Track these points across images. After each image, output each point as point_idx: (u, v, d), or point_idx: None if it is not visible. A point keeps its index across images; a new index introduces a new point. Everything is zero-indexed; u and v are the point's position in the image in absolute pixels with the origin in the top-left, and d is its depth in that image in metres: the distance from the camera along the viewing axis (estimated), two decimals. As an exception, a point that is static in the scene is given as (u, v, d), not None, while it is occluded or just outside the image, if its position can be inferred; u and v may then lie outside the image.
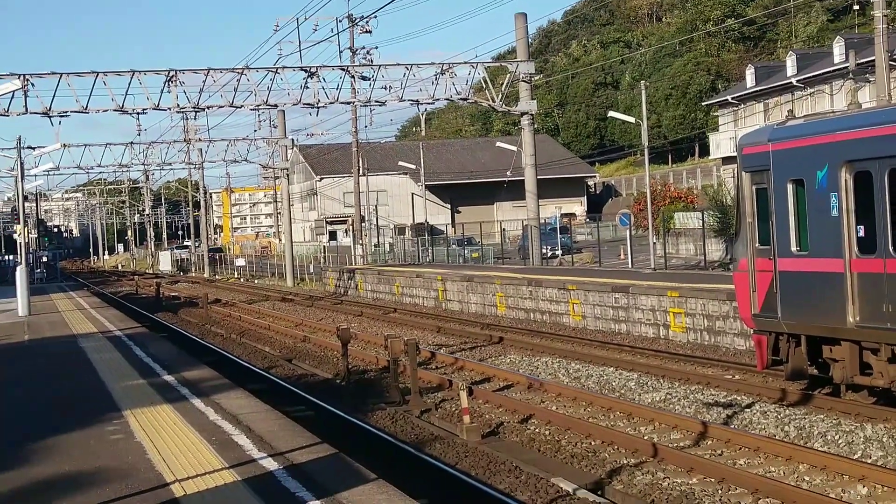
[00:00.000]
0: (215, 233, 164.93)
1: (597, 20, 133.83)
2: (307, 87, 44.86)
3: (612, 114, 57.70)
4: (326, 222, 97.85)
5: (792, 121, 18.36)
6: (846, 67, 50.22)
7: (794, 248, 17.60)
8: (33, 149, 60.39)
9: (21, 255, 42.71)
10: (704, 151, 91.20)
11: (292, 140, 71.71)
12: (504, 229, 64.13)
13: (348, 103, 50.82)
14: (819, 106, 63.02)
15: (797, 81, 68.16)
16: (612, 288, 30.61)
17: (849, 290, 16.31)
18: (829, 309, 16.67)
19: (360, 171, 68.03)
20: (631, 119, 53.50)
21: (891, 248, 15.72)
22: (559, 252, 57.00)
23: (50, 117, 42.74)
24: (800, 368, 17.74)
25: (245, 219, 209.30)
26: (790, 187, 17.62)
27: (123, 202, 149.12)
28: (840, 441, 14.95)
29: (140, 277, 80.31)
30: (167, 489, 10.38)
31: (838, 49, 64.06)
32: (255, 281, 74.94)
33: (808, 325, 17.33)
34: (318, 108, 46.61)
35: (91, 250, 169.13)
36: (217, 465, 11.23)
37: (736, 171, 19.82)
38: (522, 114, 47.34)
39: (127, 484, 10.64)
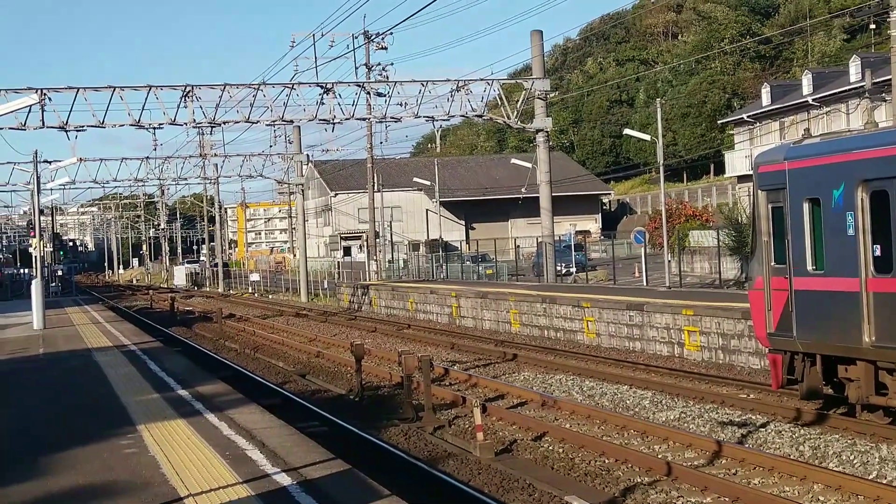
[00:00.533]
0: (230, 248, 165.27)
1: (613, 38, 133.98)
2: (323, 103, 45.09)
3: (627, 131, 57.70)
4: (341, 238, 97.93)
5: (808, 139, 18.31)
6: (862, 86, 50.15)
7: (809, 267, 17.56)
8: (49, 163, 60.88)
9: (36, 268, 42.86)
10: (720, 170, 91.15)
11: (307, 156, 71.93)
12: (518, 246, 64.01)
13: (364, 119, 50.96)
14: (835, 125, 62.94)
15: (813, 100, 68.12)
16: (626, 305, 30.57)
17: (864, 310, 16.26)
18: (845, 328, 16.62)
19: (375, 187, 68.17)
20: (646, 137, 53.43)
21: (907, 268, 15.68)
22: (573, 269, 56.84)
23: (66, 131, 42.97)
24: (815, 388, 17.69)
25: (260, 234, 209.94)
26: (806, 206, 17.59)
27: (139, 216, 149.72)
28: (855, 461, 14.89)
29: (155, 292, 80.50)
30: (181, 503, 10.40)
31: (854, 68, 64.01)
32: (270, 296, 75.07)
33: (823, 344, 17.27)
34: (334, 124, 46.88)
35: (106, 264, 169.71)
36: (231, 480, 11.24)
37: (752, 190, 19.77)
38: (538, 131, 47.38)
39: (141, 498, 10.66)
